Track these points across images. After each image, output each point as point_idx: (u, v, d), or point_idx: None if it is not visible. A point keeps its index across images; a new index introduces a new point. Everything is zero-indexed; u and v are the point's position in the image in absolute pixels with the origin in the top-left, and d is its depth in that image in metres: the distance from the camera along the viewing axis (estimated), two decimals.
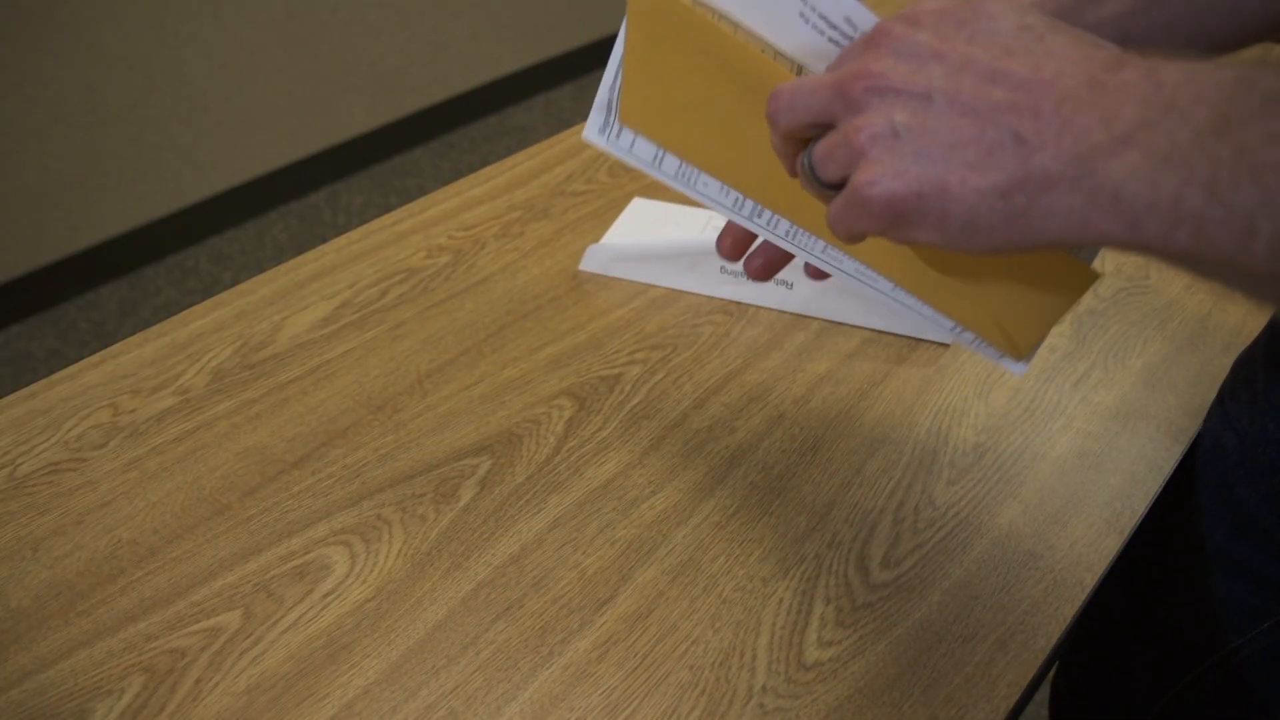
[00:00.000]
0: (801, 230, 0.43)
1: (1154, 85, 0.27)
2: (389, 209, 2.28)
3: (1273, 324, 0.51)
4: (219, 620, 0.46)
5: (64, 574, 0.49)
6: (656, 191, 0.77)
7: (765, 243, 0.45)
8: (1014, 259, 0.38)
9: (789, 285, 0.64)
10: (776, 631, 0.46)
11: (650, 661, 0.45)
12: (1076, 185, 0.27)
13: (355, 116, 2.36)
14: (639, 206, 0.75)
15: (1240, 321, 0.63)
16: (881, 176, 0.31)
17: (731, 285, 0.65)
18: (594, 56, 2.81)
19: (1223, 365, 0.60)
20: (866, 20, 0.36)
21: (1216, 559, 0.54)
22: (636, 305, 0.65)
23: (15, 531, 0.51)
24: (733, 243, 0.46)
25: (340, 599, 0.47)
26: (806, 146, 0.35)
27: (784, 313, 0.65)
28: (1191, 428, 0.56)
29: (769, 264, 0.46)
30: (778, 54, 0.38)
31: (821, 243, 0.43)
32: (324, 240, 2.08)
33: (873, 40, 0.33)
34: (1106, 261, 0.69)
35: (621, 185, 0.77)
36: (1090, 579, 0.48)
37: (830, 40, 0.37)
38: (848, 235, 0.33)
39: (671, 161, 0.44)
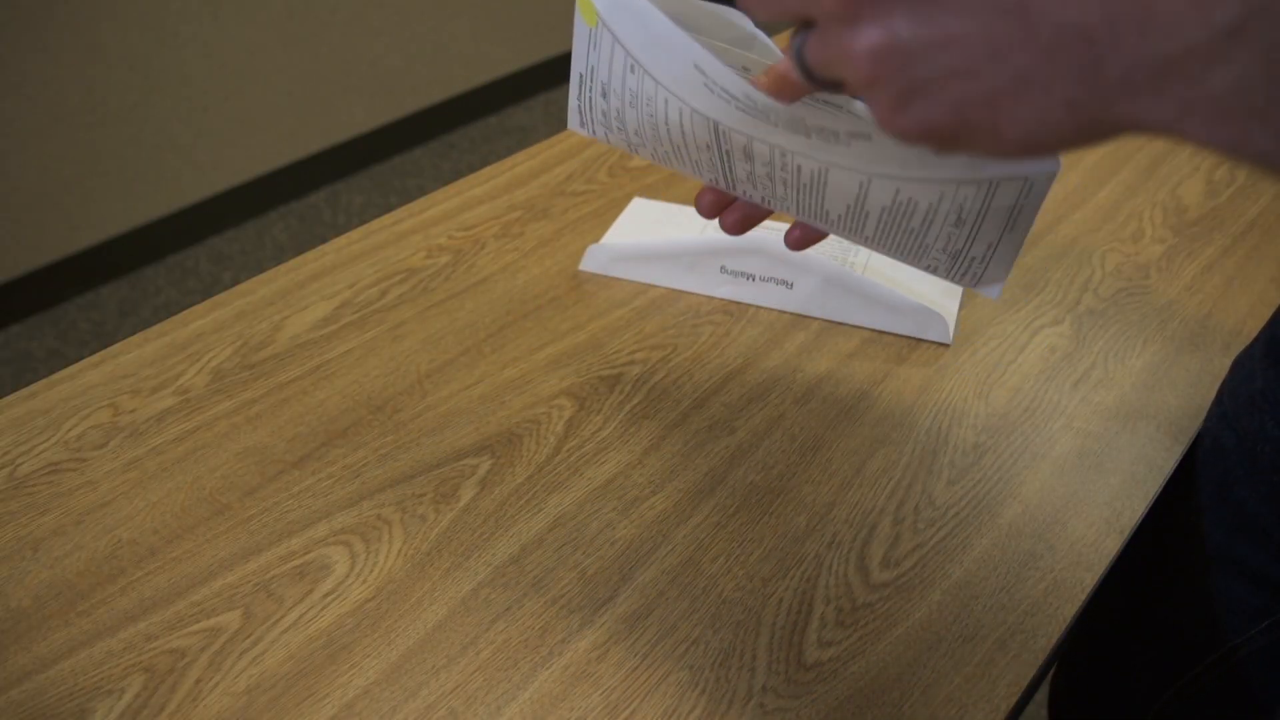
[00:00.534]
0: (781, 193, 0.43)
1: None
2: (389, 209, 2.28)
3: (1272, 324, 0.51)
4: (219, 620, 0.46)
5: (64, 574, 0.49)
6: (656, 191, 0.77)
7: (741, 200, 0.45)
8: None
9: (789, 285, 0.64)
10: (776, 631, 0.46)
11: (650, 661, 0.45)
12: (1167, 92, 0.21)
13: (355, 116, 2.36)
14: (639, 206, 0.75)
15: (1240, 321, 0.63)
16: (903, 109, 0.25)
17: (731, 285, 0.66)
18: None
19: (1223, 365, 0.60)
20: None
21: (1216, 558, 0.54)
22: (636, 305, 0.65)
23: (15, 531, 0.51)
24: (712, 200, 0.45)
25: (340, 599, 0.47)
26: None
27: (784, 313, 0.65)
28: (1191, 428, 0.56)
29: (745, 219, 0.45)
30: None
31: (802, 201, 0.43)
32: (324, 240, 2.08)
33: None
34: (1106, 262, 0.69)
35: (621, 185, 0.77)
36: (1090, 579, 0.48)
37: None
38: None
39: (643, 155, 0.44)
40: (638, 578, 0.48)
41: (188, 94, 2.04)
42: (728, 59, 0.40)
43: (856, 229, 0.44)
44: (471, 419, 0.57)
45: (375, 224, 0.73)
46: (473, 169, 2.42)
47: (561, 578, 0.48)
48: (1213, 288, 0.66)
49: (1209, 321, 0.63)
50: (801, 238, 0.46)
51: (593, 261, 0.68)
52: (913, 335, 0.62)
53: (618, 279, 0.68)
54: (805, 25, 0.28)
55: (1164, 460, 0.54)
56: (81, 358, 0.76)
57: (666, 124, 0.41)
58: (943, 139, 0.26)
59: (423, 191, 2.33)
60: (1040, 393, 0.59)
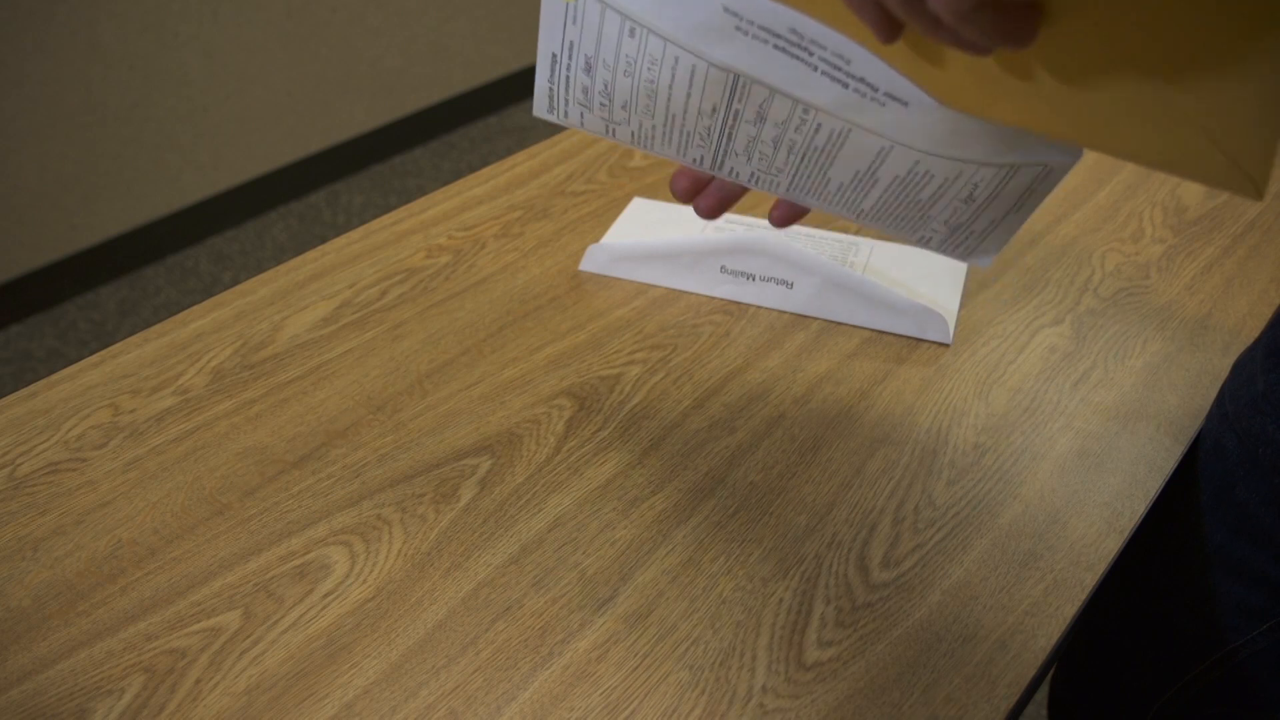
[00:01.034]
0: (764, 170, 0.42)
1: None
2: (389, 209, 2.28)
3: (1273, 325, 0.51)
4: (219, 620, 0.46)
5: (64, 574, 0.49)
6: (656, 191, 0.77)
7: (718, 182, 0.44)
8: (1164, 36, 0.23)
9: (789, 285, 0.64)
10: (776, 631, 0.46)
11: (650, 661, 0.45)
12: None
13: (355, 116, 2.36)
14: (639, 206, 0.75)
15: (1240, 322, 0.63)
16: None
17: (731, 285, 0.66)
18: None
19: (1223, 366, 0.60)
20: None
21: (1216, 559, 0.54)
22: (636, 305, 0.65)
23: (15, 531, 0.51)
24: (687, 185, 0.45)
25: (340, 599, 0.47)
26: None
27: (784, 313, 0.65)
28: (1191, 428, 0.56)
29: (723, 201, 0.45)
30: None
31: (795, 175, 0.42)
32: (324, 240, 2.08)
33: None
34: (1106, 262, 0.69)
35: (621, 185, 0.77)
36: (1090, 579, 0.48)
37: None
38: None
39: (623, 138, 0.43)
40: (638, 578, 0.48)
41: (188, 94, 2.04)
42: None
43: (855, 201, 0.42)
44: (471, 419, 0.57)
45: (375, 224, 0.73)
46: (473, 169, 2.42)
47: (561, 578, 0.48)
48: (1213, 288, 0.66)
49: (1209, 321, 0.63)
50: (785, 215, 0.45)
51: (593, 261, 0.68)
52: (913, 335, 0.62)
53: (618, 279, 0.68)
54: None
55: (1164, 460, 0.54)
56: (81, 358, 0.76)
57: (671, 87, 0.40)
58: None
59: (423, 191, 2.33)
60: (1040, 393, 0.59)
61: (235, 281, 2.08)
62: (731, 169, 0.44)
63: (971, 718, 0.42)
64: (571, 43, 0.41)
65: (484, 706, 0.43)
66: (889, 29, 0.29)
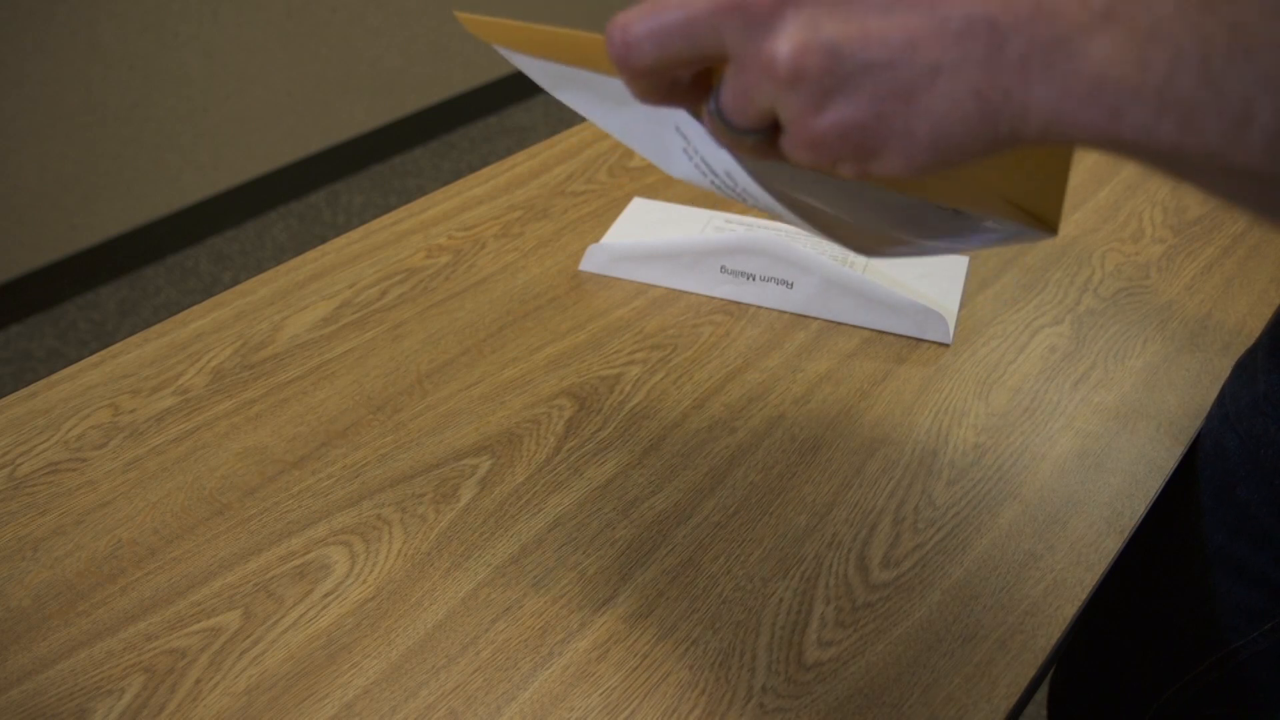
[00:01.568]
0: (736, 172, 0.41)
1: None
2: (389, 209, 2.28)
3: (1275, 326, 0.51)
4: (219, 620, 0.46)
5: (64, 574, 0.49)
6: (656, 191, 0.77)
7: None
8: None
9: (789, 285, 0.64)
10: (776, 631, 0.46)
11: (650, 661, 0.45)
12: (1053, 72, 0.24)
13: (355, 116, 2.36)
14: (639, 206, 0.75)
15: (1240, 322, 0.63)
16: (823, 108, 0.26)
17: (731, 285, 0.66)
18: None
19: (1222, 365, 0.60)
20: None
21: (1217, 560, 0.54)
22: (636, 305, 0.65)
23: (15, 531, 0.51)
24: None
25: (340, 599, 0.47)
26: (674, 88, 0.30)
27: (784, 313, 0.65)
28: (1191, 428, 0.56)
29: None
30: None
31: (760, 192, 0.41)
32: (324, 240, 2.08)
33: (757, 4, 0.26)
34: (1106, 262, 0.69)
35: (621, 185, 0.77)
36: (1090, 579, 0.48)
37: None
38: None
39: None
40: (638, 578, 0.48)
41: (188, 94, 2.04)
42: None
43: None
44: (471, 419, 0.57)
45: (375, 224, 0.73)
46: (473, 169, 2.42)
47: (561, 578, 0.48)
48: (1213, 288, 0.66)
49: (1209, 321, 0.63)
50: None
51: (593, 261, 0.68)
52: (913, 335, 0.62)
53: (618, 279, 0.68)
54: (712, 91, 0.30)
55: (1164, 460, 0.54)
56: (81, 358, 0.77)
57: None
58: (859, 144, 0.27)
59: (423, 191, 2.33)
60: (1040, 393, 0.59)
61: (235, 281, 2.08)
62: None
63: (971, 718, 0.42)
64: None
65: (484, 706, 0.43)
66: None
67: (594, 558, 0.49)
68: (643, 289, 0.67)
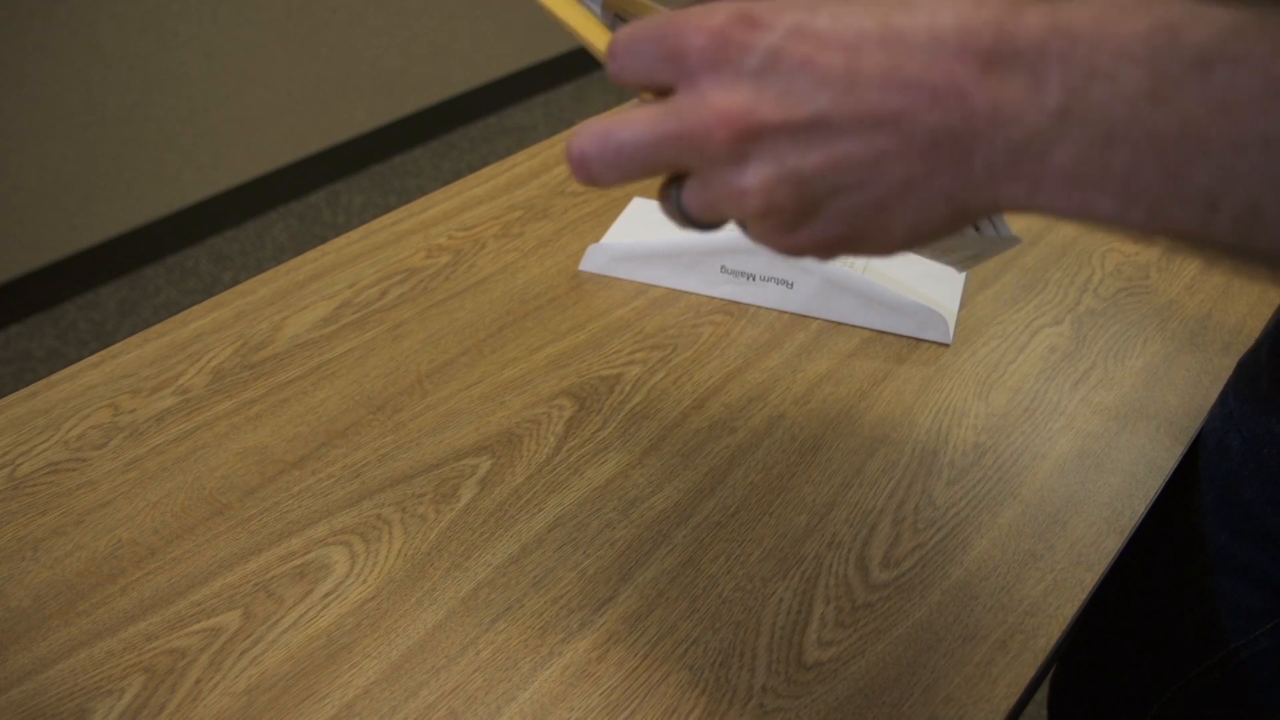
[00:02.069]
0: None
1: (1066, 39, 0.23)
2: (389, 209, 2.28)
3: (1277, 323, 0.51)
4: (219, 620, 0.46)
5: (64, 574, 0.49)
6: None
7: None
8: None
9: (789, 285, 0.64)
10: (776, 631, 0.46)
11: (650, 661, 0.45)
12: (1021, 173, 0.24)
13: (355, 116, 2.36)
14: (639, 206, 0.75)
15: (1241, 321, 0.63)
16: (796, 231, 0.27)
17: (731, 285, 0.66)
18: (594, 57, 2.80)
19: (1222, 365, 0.60)
20: None
21: (1218, 560, 0.54)
22: (636, 305, 0.65)
23: (15, 531, 0.51)
24: None
25: (340, 599, 0.47)
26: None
27: (784, 313, 0.65)
28: (1192, 427, 0.56)
29: None
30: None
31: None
32: (324, 240, 2.08)
33: (706, 56, 0.26)
34: (1106, 262, 0.69)
35: (621, 185, 0.77)
36: (1090, 579, 0.48)
37: None
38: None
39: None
40: (638, 578, 0.48)
41: (188, 94, 2.04)
42: None
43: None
44: (471, 419, 0.57)
45: (375, 224, 0.73)
46: (473, 169, 2.42)
47: (561, 578, 0.48)
48: (1213, 288, 0.66)
49: (1209, 321, 0.63)
50: None
51: (593, 261, 0.68)
52: (913, 335, 0.62)
53: (618, 279, 0.68)
54: (675, 179, 0.29)
55: (1164, 460, 0.54)
56: (81, 358, 0.76)
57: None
58: (834, 247, 0.27)
59: (423, 191, 2.33)
60: (1040, 393, 0.59)
61: (235, 281, 2.08)
62: None
63: (971, 718, 0.42)
64: None
65: (484, 706, 0.43)
66: None
67: (594, 558, 0.49)
68: (643, 289, 0.67)
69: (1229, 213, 0.22)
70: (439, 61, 2.47)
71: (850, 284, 0.63)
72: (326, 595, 0.47)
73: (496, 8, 2.51)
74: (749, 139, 0.26)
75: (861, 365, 0.61)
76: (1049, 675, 0.72)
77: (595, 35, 0.35)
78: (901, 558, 0.49)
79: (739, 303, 0.65)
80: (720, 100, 0.26)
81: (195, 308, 0.66)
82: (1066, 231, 0.72)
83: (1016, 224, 0.72)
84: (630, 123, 0.27)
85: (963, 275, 0.67)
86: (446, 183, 2.22)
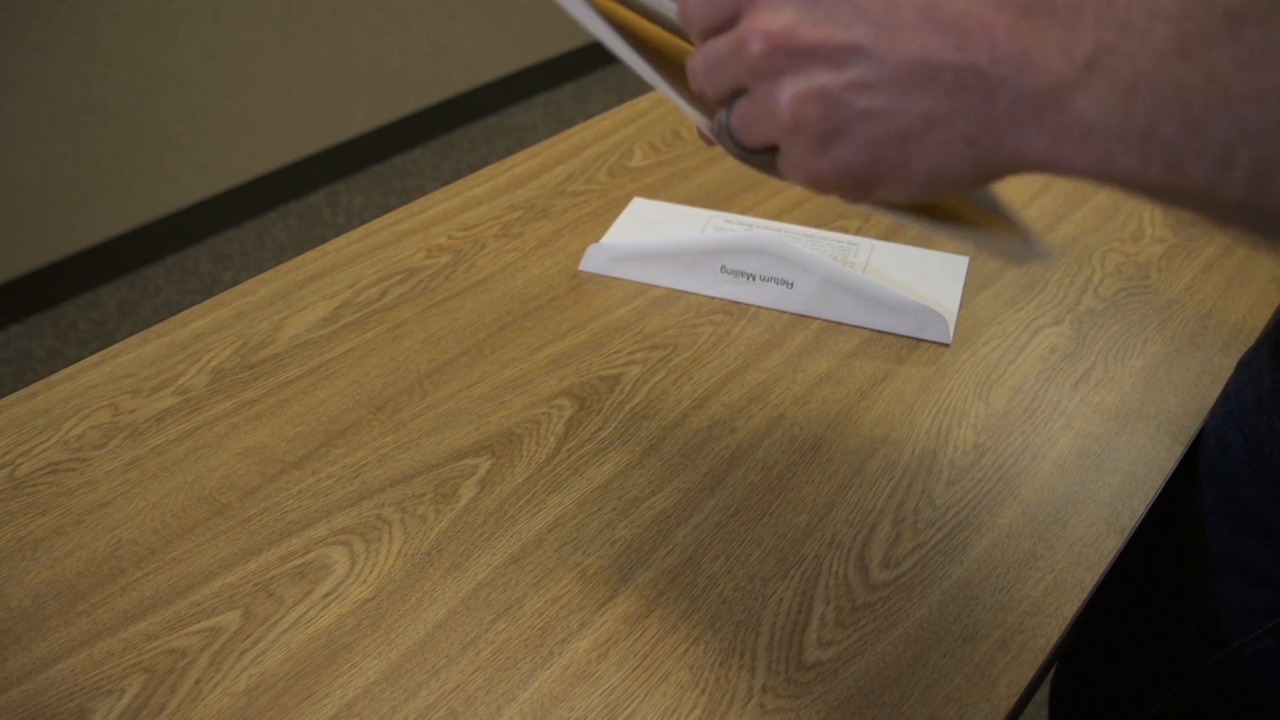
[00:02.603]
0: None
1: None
2: (389, 209, 2.28)
3: (1278, 322, 0.51)
4: (219, 620, 0.46)
5: (64, 574, 0.49)
6: (656, 191, 0.77)
7: None
8: None
9: (789, 285, 0.64)
10: (776, 631, 0.46)
11: (650, 661, 0.45)
12: (1044, 123, 0.25)
13: (355, 116, 2.36)
14: (639, 206, 0.75)
15: (1241, 321, 0.63)
16: (823, 151, 0.28)
17: (731, 285, 0.66)
18: (594, 57, 2.81)
19: (1223, 365, 0.60)
20: None
21: (1220, 559, 0.54)
22: (636, 305, 0.65)
23: (15, 531, 0.51)
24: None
25: (340, 599, 0.47)
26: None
27: (784, 313, 0.65)
28: (1192, 427, 0.56)
29: None
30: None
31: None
32: (324, 240, 2.08)
33: None
34: (1106, 262, 0.69)
35: (621, 185, 0.77)
36: (1090, 579, 0.48)
37: None
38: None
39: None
40: (638, 578, 0.48)
41: (188, 94, 2.04)
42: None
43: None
44: (471, 419, 0.57)
45: (375, 224, 0.73)
46: (473, 169, 2.42)
47: (561, 578, 0.48)
48: (1213, 287, 0.66)
49: (1209, 321, 0.63)
50: None
51: (593, 261, 0.68)
52: (913, 335, 0.62)
53: (618, 279, 0.68)
54: (725, 104, 0.32)
55: (1164, 460, 0.54)
56: (81, 358, 0.76)
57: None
58: (857, 180, 0.29)
59: (423, 191, 2.33)
60: (1040, 393, 0.58)
61: (235, 281, 2.08)
62: None
63: (971, 718, 0.42)
64: None
65: (484, 706, 0.43)
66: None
67: (594, 558, 0.49)
68: (643, 289, 0.67)
69: (1244, 167, 0.23)
70: (439, 61, 2.47)
71: (850, 284, 0.63)
72: (326, 595, 0.47)
73: (496, 8, 2.51)
74: (786, 54, 0.27)
75: (861, 365, 0.61)
76: (1049, 675, 0.72)
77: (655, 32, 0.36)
78: (901, 558, 0.49)
79: (739, 303, 0.65)
80: (765, 19, 0.28)
81: (195, 308, 0.66)
82: (1067, 231, 0.72)
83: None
84: (714, 46, 0.30)
85: (963, 275, 0.67)
86: (446, 183, 2.22)
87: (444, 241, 0.71)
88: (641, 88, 2.66)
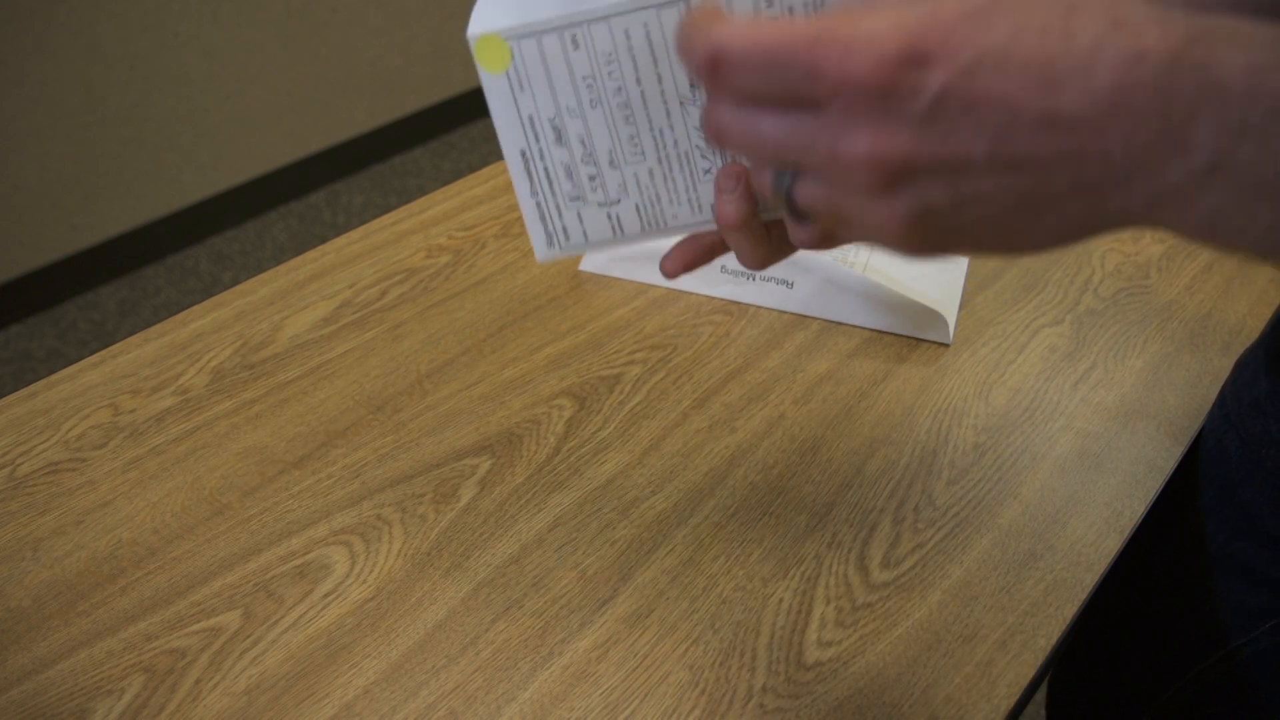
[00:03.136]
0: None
1: (1219, 96, 0.23)
2: (389, 209, 2.28)
3: (1274, 325, 0.51)
4: (219, 620, 0.46)
5: (64, 574, 0.49)
6: None
7: (682, 244, 0.41)
8: None
9: (789, 285, 0.64)
10: (776, 631, 0.46)
11: (650, 661, 0.45)
12: (1158, 219, 0.25)
13: (355, 116, 2.36)
14: None
15: (1240, 321, 0.63)
16: (927, 249, 0.27)
17: (731, 285, 0.65)
18: None
19: (1222, 365, 0.60)
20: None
21: (1219, 560, 0.54)
22: (636, 305, 0.65)
23: (15, 531, 0.51)
24: (673, 263, 0.40)
25: (340, 599, 0.47)
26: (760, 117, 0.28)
27: (784, 313, 0.65)
28: (1192, 428, 0.56)
29: (688, 263, 0.41)
30: None
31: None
32: (324, 240, 2.08)
33: (867, 93, 0.25)
34: (1106, 262, 0.69)
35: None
36: (1090, 579, 0.48)
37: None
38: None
39: (631, 225, 0.40)
40: (638, 578, 0.48)
41: (188, 94, 2.04)
42: None
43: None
44: (471, 419, 0.57)
45: (375, 224, 0.73)
46: (473, 169, 2.42)
47: (561, 578, 0.48)
48: (1213, 288, 0.66)
49: (1209, 321, 0.63)
50: (680, 260, 0.40)
51: (593, 262, 0.68)
52: (913, 335, 0.62)
53: (618, 279, 0.68)
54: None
55: (1164, 460, 0.54)
56: (81, 358, 0.77)
57: (639, 79, 0.36)
58: (961, 254, 0.28)
59: (423, 191, 2.33)
60: (1040, 393, 0.59)
61: (235, 281, 2.08)
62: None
63: (971, 718, 0.42)
64: (530, 116, 0.38)
65: (484, 706, 0.43)
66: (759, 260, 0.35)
67: (594, 558, 0.49)
68: (643, 289, 0.67)
69: None
70: (439, 61, 2.47)
71: (850, 284, 0.63)
72: (326, 595, 0.48)
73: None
74: (900, 178, 0.26)
75: (861, 365, 0.61)
76: (1049, 675, 0.72)
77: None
78: (901, 558, 0.49)
79: (739, 303, 0.65)
80: (870, 143, 0.25)
81: (195, 308, 0.66)
82: None
83: None
84: (786, 124, 0.27)
85: (963, 275, 0.67)
86: (446, 183, 2.22)
87: (444, 241, 0.71)
88: None
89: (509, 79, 0.37)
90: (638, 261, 0.67)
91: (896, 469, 0.54)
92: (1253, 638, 0.53)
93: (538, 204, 0.40)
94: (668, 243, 0.66)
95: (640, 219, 0.39)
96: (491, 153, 2.50)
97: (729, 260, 0.65)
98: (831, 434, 0.56)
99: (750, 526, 0.51)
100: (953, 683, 0.44)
